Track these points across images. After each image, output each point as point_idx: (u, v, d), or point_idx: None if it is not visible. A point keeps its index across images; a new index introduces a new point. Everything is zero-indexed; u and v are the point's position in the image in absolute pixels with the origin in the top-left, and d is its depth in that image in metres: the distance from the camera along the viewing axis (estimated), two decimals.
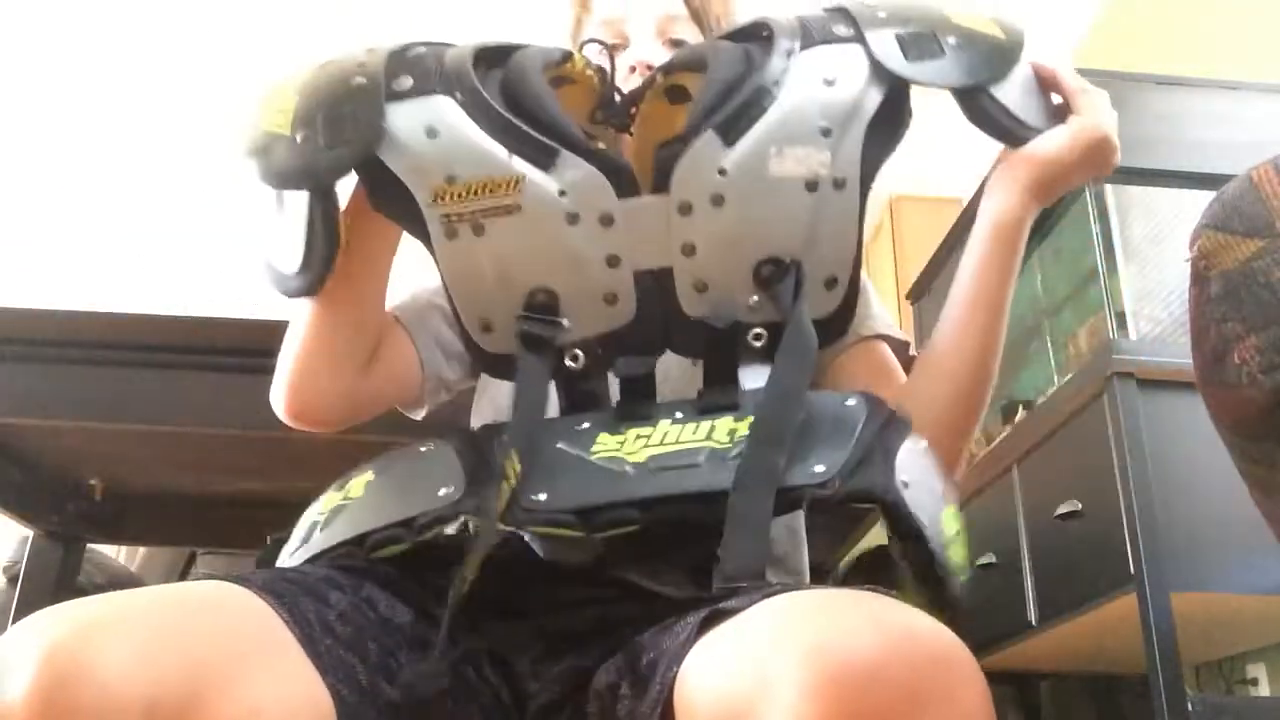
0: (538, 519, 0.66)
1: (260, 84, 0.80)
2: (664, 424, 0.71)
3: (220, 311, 1.35)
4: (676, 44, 0.96)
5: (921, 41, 0.79)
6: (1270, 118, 2.00)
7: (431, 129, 0.73)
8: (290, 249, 0.78)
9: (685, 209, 0.74)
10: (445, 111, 0.74)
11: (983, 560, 2.08)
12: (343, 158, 0.74)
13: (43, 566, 1.70)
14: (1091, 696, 2.43)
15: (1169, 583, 1.52)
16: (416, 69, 0.76)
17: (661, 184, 0.74)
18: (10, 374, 1.33)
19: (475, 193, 0.73)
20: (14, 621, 0.55)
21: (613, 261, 0.75)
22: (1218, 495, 1.52)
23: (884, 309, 1.03)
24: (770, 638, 0.52)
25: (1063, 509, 1.77)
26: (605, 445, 0.70)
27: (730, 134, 0.73)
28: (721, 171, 0.73)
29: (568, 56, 0.82)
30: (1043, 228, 2.18)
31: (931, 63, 0.79)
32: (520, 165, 0.73)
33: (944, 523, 0.66)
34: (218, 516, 1.78)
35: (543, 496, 0.66)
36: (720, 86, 0.75)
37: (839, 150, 0.75)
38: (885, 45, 0.78)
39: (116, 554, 2.26)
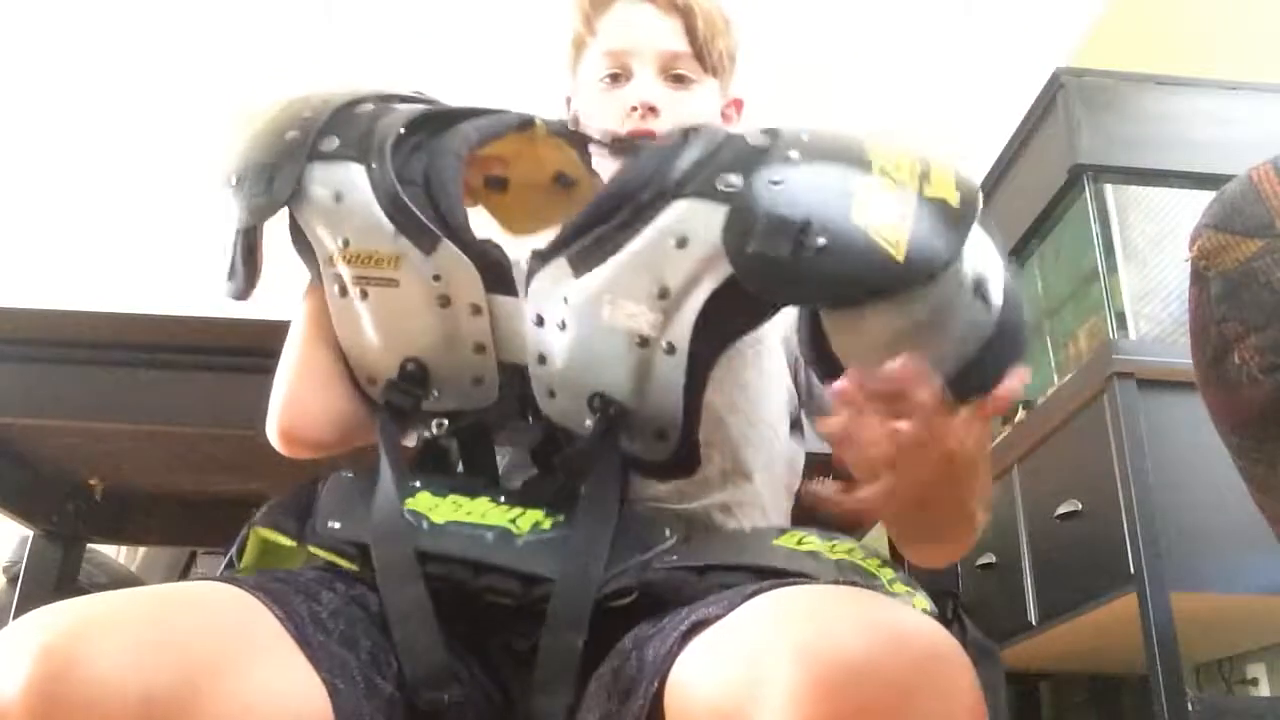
0: (323, 542, 0.73)
1: (241, 111, 0.84)
2: (483, 500, 0.76)
3: (220, 311, 1.35)
4: (678, 80, 0.96)
5: (781, 229, 0.63)
6: (1270, 118, 2.00)
7: (339, 194, 0.76)
8: (223, 261, 0.81)
9: (539, 321, 0.76)
10: (355, 180, 0.76)
11: (983, 560, 2.08)
12: (261, 208, 0.77)
13: (43, 566, 1.69)
14: (1091, 696, 2.43)
15: (1169, 583, 1.52)
16: (347, 131, 0.78)
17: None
18: (10, 374, 1.33)
19: (362, 261, 0.77)
20: None
21: (479, 349, 0.78)
22: (1218, 495, 1.52)
23: None
24: (760, 639, 0.53)
25: (1063, 509, 1.77)
26: (419, 503, 0.74)
27: (579, 267, 0.72)
28: (565, 300, 0.73)
29: (529, 123, 0.85)
30: (1042, 228, 2.18)
31: (768, 260, 0.64)
32: (403, 244, 0.75)
33: None
34: (218, 516, 1.77)
35: (336, 525, 0.73)
36: (603, 202, 0.73)
37: (673, 316, 0.70)
38: (745, 217, 0.65)
39: (116, 554, 2.26)
